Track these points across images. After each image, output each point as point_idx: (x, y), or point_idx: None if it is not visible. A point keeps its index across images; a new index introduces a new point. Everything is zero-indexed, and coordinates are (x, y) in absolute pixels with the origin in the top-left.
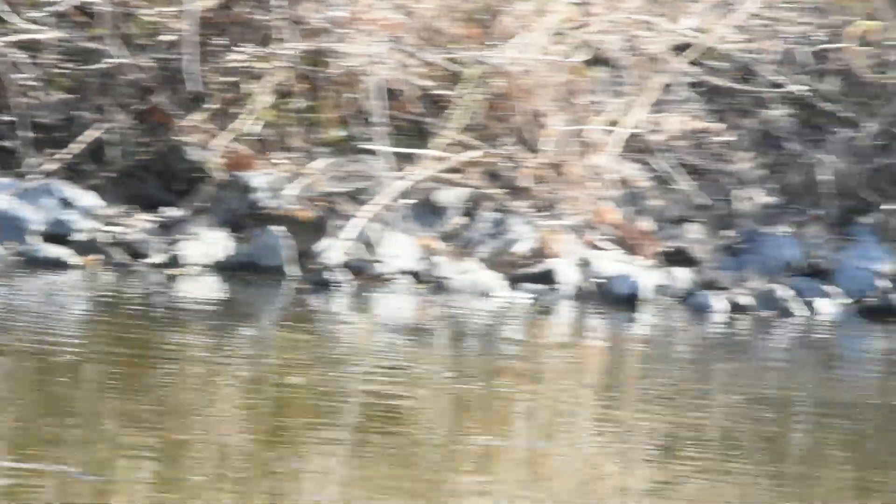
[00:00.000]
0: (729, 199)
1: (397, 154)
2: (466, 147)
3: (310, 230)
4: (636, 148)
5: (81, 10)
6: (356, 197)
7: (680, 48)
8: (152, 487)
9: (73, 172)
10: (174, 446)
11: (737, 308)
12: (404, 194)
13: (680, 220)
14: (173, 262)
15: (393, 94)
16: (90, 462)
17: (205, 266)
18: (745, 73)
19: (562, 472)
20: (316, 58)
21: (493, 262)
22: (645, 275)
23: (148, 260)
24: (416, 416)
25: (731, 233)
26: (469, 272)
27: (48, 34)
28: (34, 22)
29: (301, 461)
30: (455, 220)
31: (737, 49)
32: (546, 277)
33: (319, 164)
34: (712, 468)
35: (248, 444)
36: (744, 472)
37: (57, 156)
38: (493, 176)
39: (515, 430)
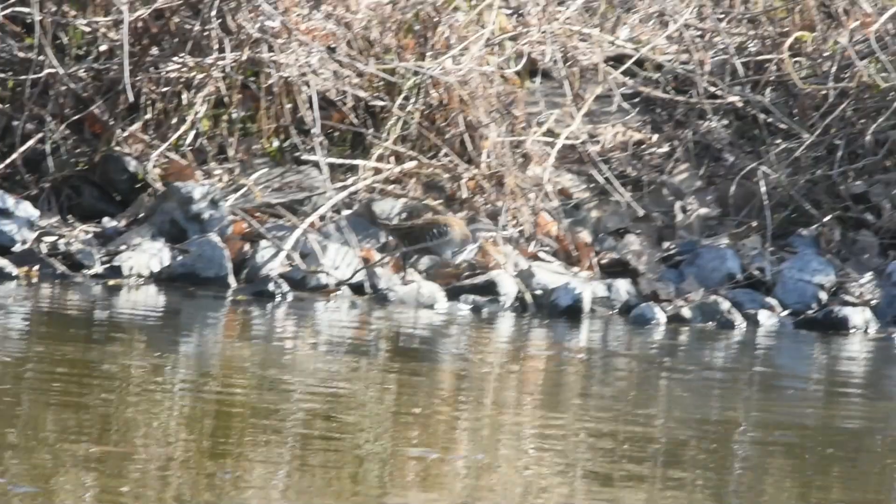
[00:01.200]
0: (668, 211)
1: (335, 165)
2: (405, 158)
3: (249, 241)
4: (575, 159)
5: (16, 20)
6: (295, 208)
7: (617, 59)
8: (89, 500)
9: (9, 182)
10: (114, 458)
11: (677, 319)
12: (343, 205)
13: (620, 232)
14: (112, 272)
15: (331, 105)
16: (26, 474)
17: (144, 277)
18: (682, 84)
19: (504, 484)
20: (252, 68)
21: (434, 274)
22: (585, 286)
23: (87, 271)
24: (358, 430)
25: (671, 244)
26: (409, 283)
27: None
28: None
29: (242, 475)
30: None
31: (673, 60)
32: (487, 289)
33: (257, 174)
34: (655, 481)
35: (187, 457)
36: (686, 484)
37: None
38: (432, 187)
39: (457, 444)
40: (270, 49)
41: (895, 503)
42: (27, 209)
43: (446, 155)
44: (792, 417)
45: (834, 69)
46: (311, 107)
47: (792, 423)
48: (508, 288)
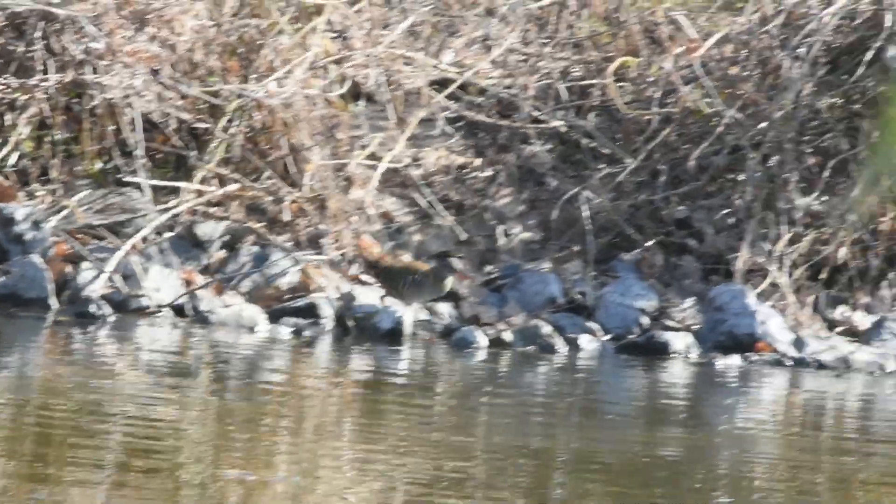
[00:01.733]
0: (491, 235)
1: (158, 187)
2: (228, 180)
3: (71, 262)
4: (398, 182)
5: None
6: (117, 229)
7: (440, 83)
8: None
9: None
10: None
11: (499, 344)
12: (165, 227)
13: (442, 255)
14: None
15: (155, 127)
16: None
17: None
18: (506, 108)
19: None
20: (76, 90)
21: (255, 296)
22: (407, 310)
23: None
24: (175, 453)
25: (492, 268)
26: (231, 306)
27: None
28: None
29: (59, 500)
30: (217, 254)
31: (497, 84)
32: (308, 311)
33: (80, 196)
34: None
35: (5, 482)
36: None
37: None
38: (255, 210)
39: (275, 466)
40: (94, 70)
41: None
42: None
43: (269, 177)
44: (612, 445)
45: (658, 95)
46: (134, 128)
47: (612, 452)
48: (329, 311)
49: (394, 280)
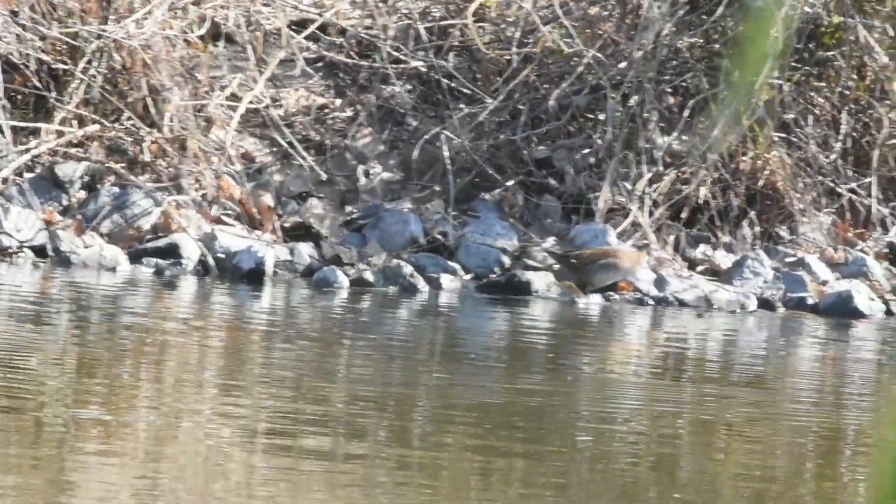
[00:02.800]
0: (351, 175)
1: (18, 127)
2: (87, 121)
3: None
4: (257, 123)
5: None
6: None
7: (300, 24)
8: None
9: None
10: None
11: (360, 283)
12: (25, 168)
13: (303, 196)
14: None
15: (14, 68)
16: None
17: None
18: (366, 48)
19: (182, 449)
20: None
21: (116, 237)
22: (268, 250)
23: None
24: (34, 394)
25: (353, 208)
26: (91, 246)
27: None
28: None
29: None
30: (77, 195)
31: (356, 25)
32: (169, 252)
33: None
34: (333, 453)
35: None
36: (365, 457)
37: None
38: (115, 150)
39: (134, 407)
40: None
41: (574, 483)
42: None
43: (129, 118)
44: (474, 389)
45: (518, 35)
46: None
47: (475, 395)
48: (191, 251)
49: (578, 271)
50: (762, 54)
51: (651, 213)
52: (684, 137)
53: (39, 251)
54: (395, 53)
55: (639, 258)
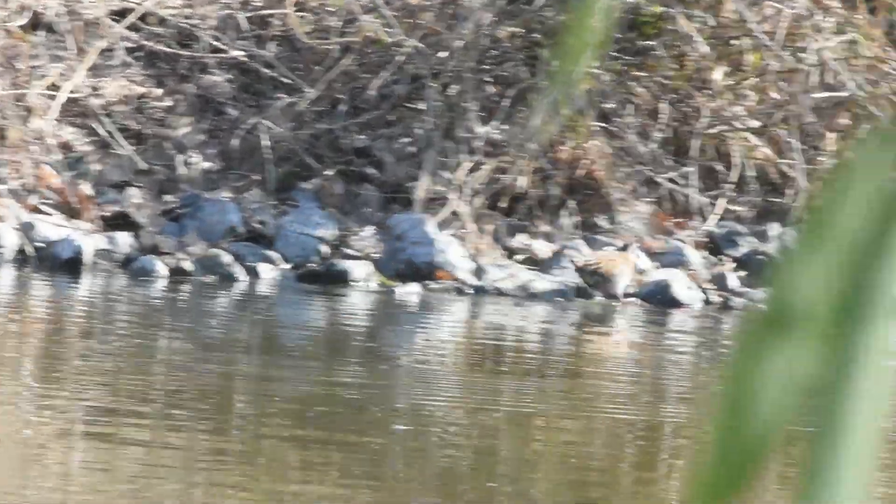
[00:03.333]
0: (170, 164)
1: None
2: None
3: None
4: (77, 112)
5: None
6: None
7: (120, 14)
8: None
9: None
10: None
11: (179, 273)
12: None
13: (121, 185)
14: None
15: None
16: None
17: None
18: (186, 38)
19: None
20: None
21: None
22: (86, 239)
23: None
24: None
25: (172, 198)
26: None
27: None
28: None
29: None
30: None
31: (177, 15)
32: None
33: None
34: (150, 444)
35: None
36: (185, 447)
37: None
38: None
39: None
40: None
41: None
42: None
43: None
44: (292, 380)
45: (338, 24)
46: None
47: (292, 386)
48: (10, 240)
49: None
50: (582, 44)
51: (470, 202)
52: (504, 127)
53: None
54: (215, 43)
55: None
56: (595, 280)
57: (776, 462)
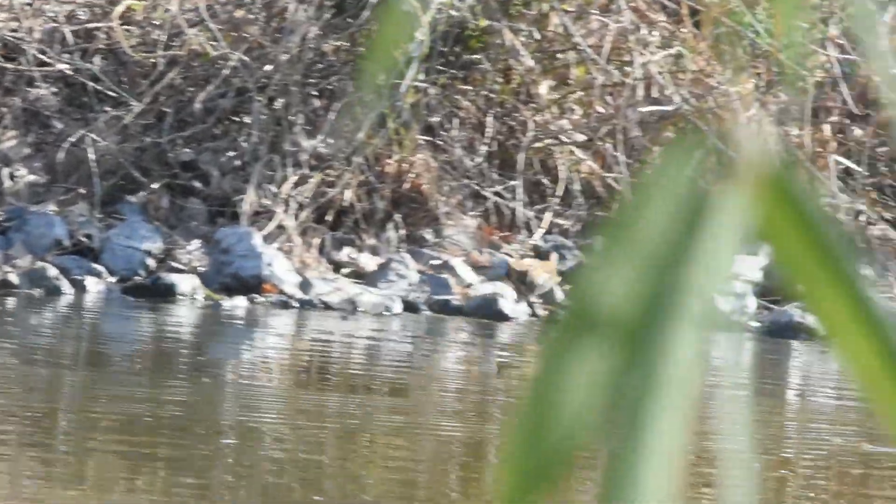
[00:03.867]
0: None
1: None
2: None
3: None
4: None
5: None
6: None
7: None
8: None
9: None
10: None
11: (5, 286)
12: None
13: None
14: None
15: None
16: None
17: None
18: (11, 51)
19: None
20: None
21: None
22: None
23: None
24: None
25: None
26: None
27: None
28: None
29: None
30: None
31: (2, 28)
32: None
33: None
34: None
35: None
36: (10, 461)
37: None
38: None
39: None
40: None
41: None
42: None
43: None
44: (117, 395)
45: (164, 37)
46: None
47: (118, 401)
48: None
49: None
50: (405, 57)
51: (296, 216)
52: (330, 140)
53: None
54: (41, 56)
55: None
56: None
57: (580, 466)
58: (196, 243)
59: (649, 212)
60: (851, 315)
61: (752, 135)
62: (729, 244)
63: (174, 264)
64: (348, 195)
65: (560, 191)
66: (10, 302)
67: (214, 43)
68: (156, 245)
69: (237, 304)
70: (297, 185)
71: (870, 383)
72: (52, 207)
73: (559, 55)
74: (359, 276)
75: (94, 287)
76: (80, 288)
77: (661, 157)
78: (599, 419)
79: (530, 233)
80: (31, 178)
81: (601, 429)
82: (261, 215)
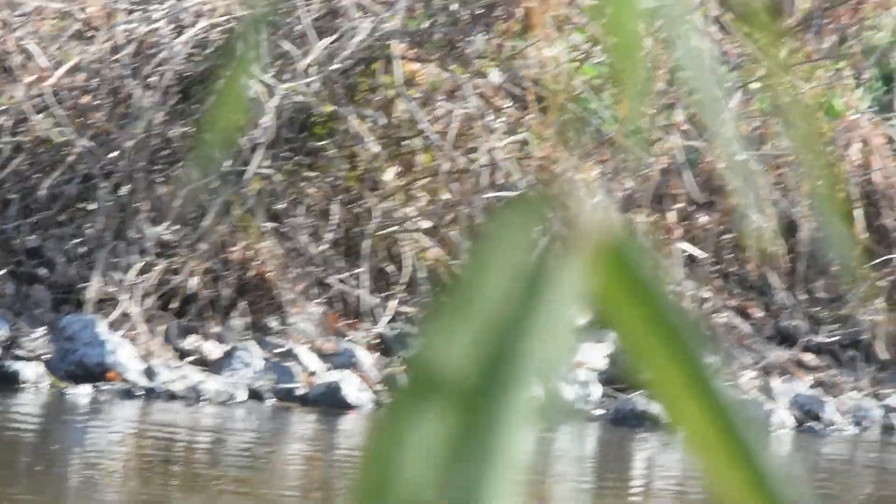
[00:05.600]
0: None
1: None
2: None
3: None
4: None
5: None
6: None
7: None
8: None
9: None
10: None
11: None
12: None
13: None
14: None
15: None
16: None
17: None
18: None
19: None
20: None
21: None
22: None
23: None
24: None
25: None
26: None
27: None
28: None
29: None
30: None
31: None
32: None
33: None
34: None
35: None
36: None
37: None
38: None
39: None
40: None
41: None
42: None
43: None
44: None
45: (10, 123)
46: None
47: None
48: None
49: None
50: (251, 143)
51: (141, 303)
52: (175, 227)
53: None
54: None
55: None
56: None
57: None
58: (41, 330)
59: (488, 273)
60: (695, 401)
61: (593, 210)
62: (566, 310)
63: (18, 352)
64: (193, 282)
65: (405, 278)
66: None
67: (60, 129)
68: (0, 332)
69: (81, 392)
70: (142, 272)
71: (714, 471)
72: None
73: (405, 141)
74: (203, 363)
75: None
76: None
77: (499, 222)
78: (436, 484)
79: (375, 320)
80: None
81: (438, 494)
82: (106, 302)
